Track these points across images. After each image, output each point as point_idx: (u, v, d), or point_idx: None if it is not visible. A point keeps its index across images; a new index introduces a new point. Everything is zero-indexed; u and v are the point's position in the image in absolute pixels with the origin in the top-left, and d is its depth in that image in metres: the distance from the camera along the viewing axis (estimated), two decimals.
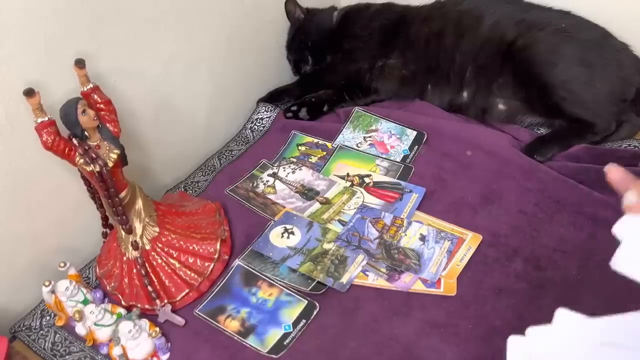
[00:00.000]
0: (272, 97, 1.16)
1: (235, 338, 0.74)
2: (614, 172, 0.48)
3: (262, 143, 1.08)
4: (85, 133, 0.69)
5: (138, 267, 0.77)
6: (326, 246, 0.83)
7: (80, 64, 0.68)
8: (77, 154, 0.69)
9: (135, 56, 0.86)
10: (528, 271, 0.76)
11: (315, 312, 0.75)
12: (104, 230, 0.84)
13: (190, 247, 0.81)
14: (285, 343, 0.72)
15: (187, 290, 0.79)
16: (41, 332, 0.79)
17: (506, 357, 0.43)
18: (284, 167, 0.99)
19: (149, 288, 0.77)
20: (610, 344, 0.42)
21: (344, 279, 0.78)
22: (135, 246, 0.77)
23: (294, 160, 1.01)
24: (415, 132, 1.02)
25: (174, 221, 0.82)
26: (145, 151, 0.95)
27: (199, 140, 1.06)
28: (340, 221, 0.87)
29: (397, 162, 0.97)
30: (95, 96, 0.71)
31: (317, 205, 0.91)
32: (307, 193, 0.93)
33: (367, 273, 0.79)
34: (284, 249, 0.83)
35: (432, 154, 0.98)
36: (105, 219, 0.82)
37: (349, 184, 0.94)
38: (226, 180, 0.98)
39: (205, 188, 0.99)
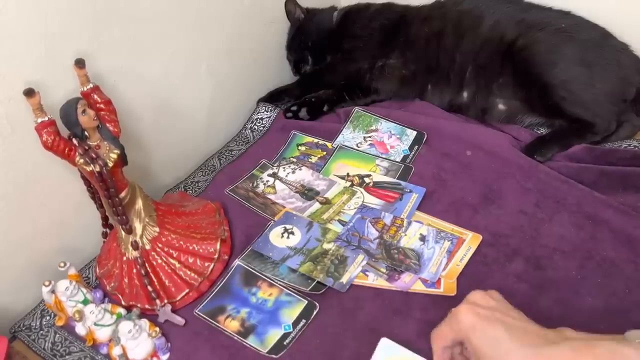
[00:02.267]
0: (272, 97, 1.16)
1: (235, 338, 0.74)
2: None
3: (262, 143, 1.08)
4: (85, 133, 0.69)
5: (138, 267, 0.77)
6: (326, 246, 0.83)
7: (80, 64, 0.68)
8: (77, 154, 0.69)
9: (135, 56, 0.86)
10: (528, 271, 0.76)
11: (315, 312, 0.75)
12: (104, 230, 0.84)
13: (190, 247, 0.81)
14: (285, 343, 0.72)
15: (187, 290, 0.79)
16: (41, 332, 0.79)
17: None
18: (284, 167, 0.99)
19: (149, 288, 0.77)
20: None
21: (344, 279, 0.78)
22: (135, 246, 0.77)
23: (294, 160, 1.01)
24: (415, 132, 1.02)
25: (174, 221, 0.82)
26: (146, 151, 0.95)
27: (199, 140, 1.06)
28: (340, 221, 0.87)
29: (397, 162, 0.97)
30: (95, 96, 0.71)
31: (317, 205, 0.91)
32: (307, 193, 0.93)
33: (367, 273, 0.79)
34: (284, 249, 0.83)
35: (432, 154, 0.98)
36: (105, 219, 0.82)
37: (349, 184, 0.94)
38: (226, 180, 0.98)
39: (205, 188, 0.99)
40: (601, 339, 0.46)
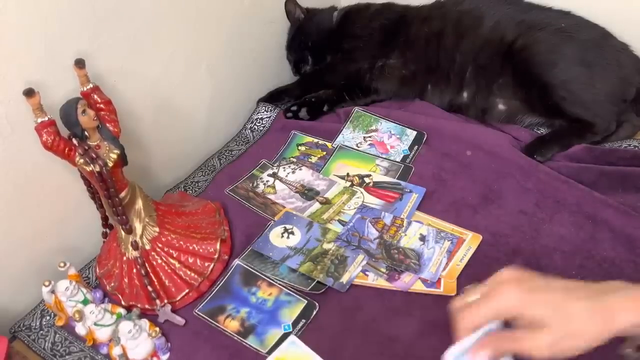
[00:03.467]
0: (272, 97, 1.16)
1: (235, 338, 0.74)
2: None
3: (262, 143, 1.08)
4: (85, 133, 0.69)
5: (138, 267, 0.77)
6: (326, 246, 0.83)
7: (80, 64, 0.68)
8: (77, 154, 0.69)
9: (135, 56, 0.86)
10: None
11: (314, 312, 0.75)
12: (104, 230, 0.84)
13: (190, 247, 0.81)
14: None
15: (187, 290, 0.79)
16: (41, 332, 0.79)
17: None
18: (284, 167, 0.99)
19: (149, 288, 0.77)
20: None
21: (344, 279, 0.78)
22: (135, 246, 0.77)
23: (294, 160, 1.01)
24: (415, 132, 1.02)
25: (174, 221, 0.82)
26: (145, 151, 0.95)
27: (199, 140, 1.06)
28: (340, 221, 0.87)
29: (397, 162, 0.97)
30: (95, 96, 0.71)
31: (317, 205, 0.91)
32: (307, 193, 0.93)
33: (367, 273, 0.79)
34: (284, 249, 0.83)
35: (432, 154, 0.98)
36: (105, 219, 0.82)
37: (348, 184, 0.94)
38: (226, 180, 0.98)
39: (205, 188, 0.99)
40: None
